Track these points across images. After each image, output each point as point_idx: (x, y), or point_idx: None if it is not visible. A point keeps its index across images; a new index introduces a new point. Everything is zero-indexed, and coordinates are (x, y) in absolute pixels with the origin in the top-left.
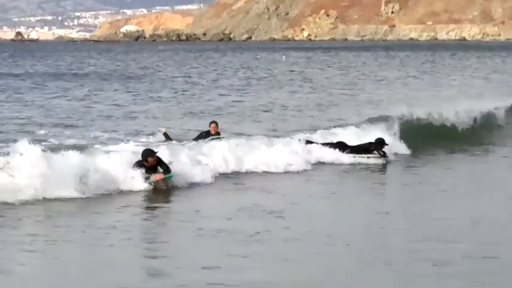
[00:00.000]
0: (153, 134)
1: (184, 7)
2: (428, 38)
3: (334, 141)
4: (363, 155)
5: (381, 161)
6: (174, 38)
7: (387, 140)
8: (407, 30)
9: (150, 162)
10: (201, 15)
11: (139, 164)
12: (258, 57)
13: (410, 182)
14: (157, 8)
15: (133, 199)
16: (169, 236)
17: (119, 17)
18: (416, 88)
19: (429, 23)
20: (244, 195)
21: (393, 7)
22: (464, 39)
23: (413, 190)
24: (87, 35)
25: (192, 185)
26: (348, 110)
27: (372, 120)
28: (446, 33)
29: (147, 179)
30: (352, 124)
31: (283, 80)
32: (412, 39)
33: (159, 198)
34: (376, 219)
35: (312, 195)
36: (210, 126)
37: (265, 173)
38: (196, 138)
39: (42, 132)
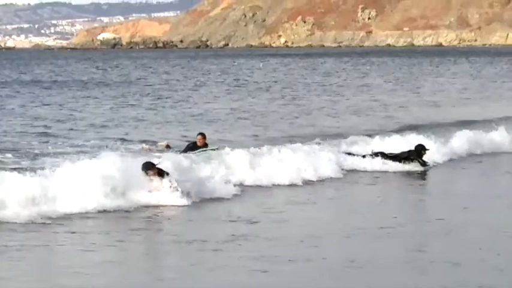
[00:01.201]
0: (145, 143)
1: (161, 14)
2: (405, 44)
3: (375, 151)
4: (403, 164)
5: (420, 168)
6: (151, 46)
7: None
8: (384, 36)
9: (151, 175)
10: (178, 22)
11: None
12: (235, 63)
13: (438, 190)
14: (134, 15)
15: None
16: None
17: (96, 25)
18: (399, 94)
19: (406, 28)
20: (269, 206)
21: (370, 13)
22: (440, 44)
23: (433, 199)
24: (64, 43)
25: (214, 199)
26: (329, 117)
27: (404, 129)
28: (423, 39)
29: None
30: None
31: (263, 87)
32: (388, 45)
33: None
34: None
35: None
36: (197, 137)
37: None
38: (185, 150)
39: (23, 142)
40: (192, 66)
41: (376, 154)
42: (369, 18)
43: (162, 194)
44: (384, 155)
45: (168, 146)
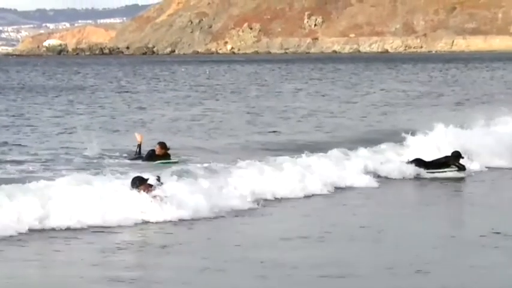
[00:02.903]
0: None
1: (107, 21)
2: (351, 50)
3: (411, 158)
4: (441, 170)
5: (459, 174)
6: (97, 52)
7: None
8: (330, 43)
9: (142, 190)
10: (124, 28)
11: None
12: (183, 70)
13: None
14: (80, 21)
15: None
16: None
17: (42, 31)
18: (348, 101)
19: (352, 35)
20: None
21: (316, 20)
22: (386, 51)
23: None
24: (10, 49)
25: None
26: (284, 125)
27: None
28: (369, 45)
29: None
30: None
31: (213, 93)
32: (335, 51)
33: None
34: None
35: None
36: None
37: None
38: (146, 158)
39: None
40: (140, 73)
41: (413, 161)
42: (315, 25)
43: (152, 208)
44: (421, 162)
45: (139, 145)
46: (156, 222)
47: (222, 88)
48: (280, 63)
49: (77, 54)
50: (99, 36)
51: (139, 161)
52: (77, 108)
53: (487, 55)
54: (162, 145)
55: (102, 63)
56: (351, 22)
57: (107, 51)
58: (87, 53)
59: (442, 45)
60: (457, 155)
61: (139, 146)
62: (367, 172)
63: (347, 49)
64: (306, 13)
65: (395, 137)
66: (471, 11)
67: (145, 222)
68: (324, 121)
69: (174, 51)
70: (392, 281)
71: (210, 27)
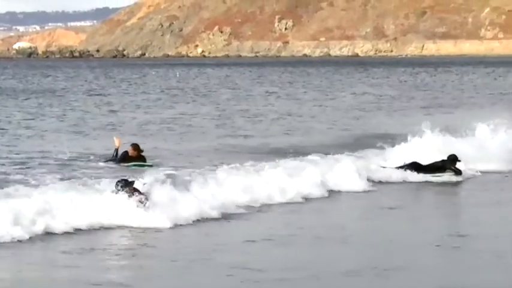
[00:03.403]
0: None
1: (78, 23)
2: (321, 54)
3: (407, 162)
4: (437, 174)
5: (455, 178)
6: (67, 55)
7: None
8: (301, 47)
9: (129, 191)
10: (94, 31)
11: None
12: (154, 73)
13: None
14: (50, 24)
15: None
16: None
17: (12, 34)
18: (320, 104)
19: (322, 39)
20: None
21: (286, 23)
22: (357, 55)
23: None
24: None
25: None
26: (255, 127)
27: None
28: (340, 49)
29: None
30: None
31: (183, 97)
32: (305, 55)
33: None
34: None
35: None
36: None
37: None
38: (120, 159)
39: None
40: (110, 76)
41: (410, 165)
42: (285, 29)
43: (135, 211)
44: (417, 165)
45: (116, 149)
46: (138, 226)
47: (193, 91)
48: (250, 66)
49: (47, 57)
50: (69, 39)
51: (113, 164)
52: (48, 111)
53: (457, 59)
54: (135, 146)
55: (72, 66)
56: (321, 26)
57: (77, 54)
58: (58, 56)
59: (412, 49)
60: (453, 159)
61: (116, 150)
62: (360, 176)
63: (317, 53)
64: (277, 17)
65: (368, 140)
66: (441, 16)
67: (127, 226)
68: (295, 125)
69: (144, 54)
70: (353, 284)
71: (181, 30)
